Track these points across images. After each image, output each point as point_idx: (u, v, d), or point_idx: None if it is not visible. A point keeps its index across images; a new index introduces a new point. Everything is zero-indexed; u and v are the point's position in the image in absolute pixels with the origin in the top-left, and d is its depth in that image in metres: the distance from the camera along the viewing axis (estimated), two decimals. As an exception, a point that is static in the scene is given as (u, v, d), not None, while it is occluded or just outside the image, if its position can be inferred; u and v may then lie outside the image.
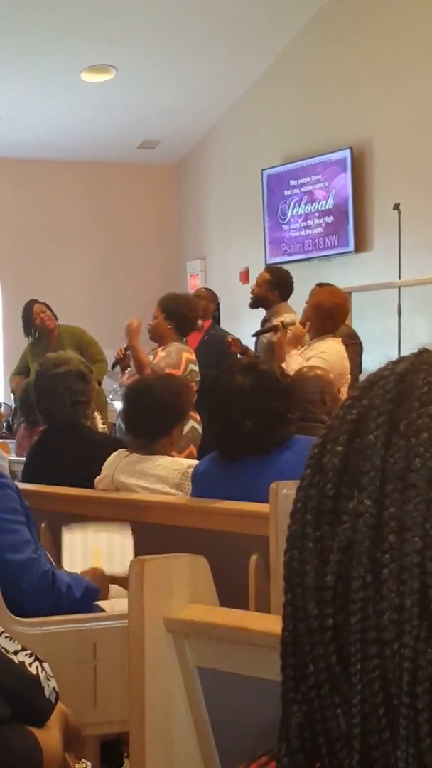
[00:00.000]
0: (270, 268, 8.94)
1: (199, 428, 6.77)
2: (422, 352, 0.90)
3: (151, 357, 7.02)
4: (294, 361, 6.57)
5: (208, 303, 9.44)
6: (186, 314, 7.05)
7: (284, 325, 7.34)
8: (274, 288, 8.17)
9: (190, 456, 5.96)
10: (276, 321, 7.61)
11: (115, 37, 10.85)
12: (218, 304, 12.58)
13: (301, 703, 0.87)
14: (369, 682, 0.80)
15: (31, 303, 9.18)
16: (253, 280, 11.01)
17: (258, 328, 8.31)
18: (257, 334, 8.25)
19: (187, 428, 6.54)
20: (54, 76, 11.44)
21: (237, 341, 8.15)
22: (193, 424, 6.69)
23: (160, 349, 6.96)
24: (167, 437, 4.31)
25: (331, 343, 6.76)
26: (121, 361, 7.45)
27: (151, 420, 4.29)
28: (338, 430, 0.89)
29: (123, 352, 7.40)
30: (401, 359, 0.91)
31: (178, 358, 6.81)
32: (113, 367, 7.87)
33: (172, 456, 4.36)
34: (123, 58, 11.27)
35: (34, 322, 9.03)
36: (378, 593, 0.81)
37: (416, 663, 0.79)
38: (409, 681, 0.78)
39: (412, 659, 0.79)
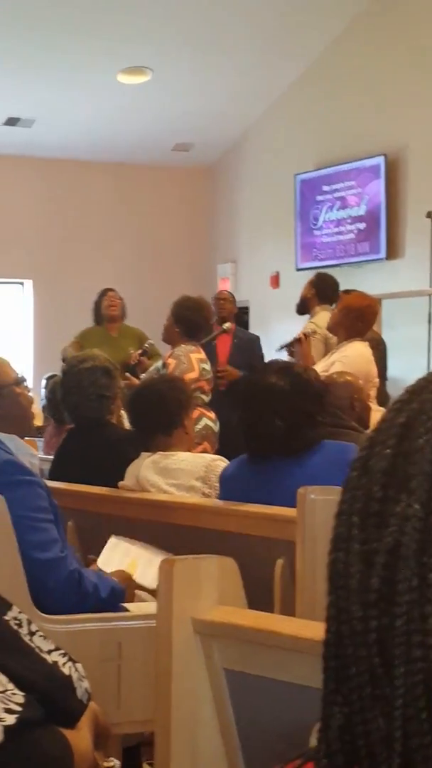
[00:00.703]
0: (317, 273, 8.98)
1: (214, 426, 6.79)
2: None
3: (159, 363, 7.06)
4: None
5: (231, 306, 9.46)
6: (191, 319, 7.07)
7: (306, 336, 7.35)
8: (312, 287, 8.23)
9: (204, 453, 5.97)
10: (309, 329, 7.64)
11: (152, 39, 10.88)
12: (247, 308, 12.59)
13: (342, 705, 0.87)
14: (412, 686, 0.80)
15: (106, 290, 9.36)
16: (283, 285, 11.05)
17: (287, 333, 8.32)
18: (282, 348, 8.24)
19: (200, 425, 6.56)
20: (90, 77, 11.48)
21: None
22: (207, 421, 6.70)
23: (168, 355, 6.97)
24: (181, 427, 4.33)
25: (356, 346, 6.74)
26: (138, 366, 7.55)
27: (159, 411, 4.31)
28: (387, 432, 0.88)
29: (138, 357, 7.48)
30: None
31: (188, 362, 6.83)
32: (130, 371, 7.93)
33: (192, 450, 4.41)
34: (159, 61, 11.29)
35: (102, 305, 9.17)
36: (424, 597, 0.81)
37: None
38: None
39: None
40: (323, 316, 7.80)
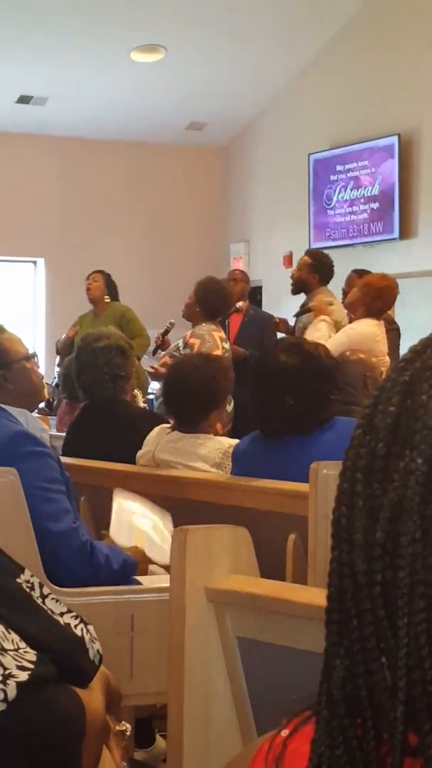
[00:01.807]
0: (310, 252, 8.92)
1: (229, 406, 6.79)
2: None
3: (180, 342, 7.03)
4: (309, 335, 6.62)
5: (245, 285, 9.45)
6: (213, 302, 7.07)
7: (319, 308, 7.37)
8: (314, 272, 8.16)
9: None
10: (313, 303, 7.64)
11: (166, 18, 10.84)
12: (260, 287, 12.57)
13: (344, 656, 0.89)
14: (416, 636, 0.82)
15: (89, 274, 9.45)
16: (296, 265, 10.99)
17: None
18: (297, 315, 8.25)
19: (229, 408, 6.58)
20: (104, 56, 11.45)
21: (284, 321, 8.17)
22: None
23: (190, 335, 6.95)
24: (205, 421, 4.31)
25: (365, 324, 6.75)
26: (161, 346, 7.57)
27: (186, 406, 4.29)
28: (390, 390, 0.90)
29: (162, 337, 7.49)
30: None
31: (212, 340, 6.83)
32: (154, 352, 7.94)
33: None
34: (173, 39, 11.26)
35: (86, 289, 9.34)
36: (427, 549, 0.83)
37: None
38: None
39: None
40: (320, 299, 7.79)
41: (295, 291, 8.37)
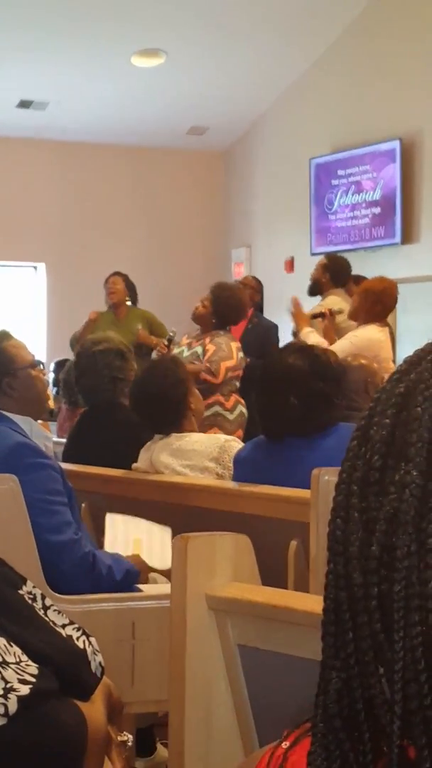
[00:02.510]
0: (328, 255, 8.91)
1: (246, 413, 6.79)
2: None
3: (186, 341, 7.03)
4: (311, 338, 6.61)
5: (254, 293, 9.43)
6: (227, 315, 7.05)
7: (332, 313, 7.35)
8: (326, 271, 8.15)
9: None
10: (323, 308, 7.62)
11: (166, 22, 10.85)
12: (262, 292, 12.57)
13: (340, 669, 0.88)
14: (411, 649, 0.82)
15: (109, 276, 9.30)
16: (298, 269, 10.99)
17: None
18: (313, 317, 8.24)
19: (236, 413, 6.59)
20: (104, 60, 11.45)
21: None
22: (241, 408, 6.71)
23: (208, 340, 6.93)
24: (188, 410, 4.32)
25: (370, 330, 6.75)
26: (166, 355, 7.56)
27: (165, 407, 4.29)
28: (386, 403, 0.90)
29: (167, 347, 7.47)
30: None
31: (228, 350, 6.83)
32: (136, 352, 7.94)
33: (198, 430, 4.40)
34: (174, 43, 11.26)
35: (106, 292, 9.20)
36: (423, 562, 0.82)
37: None
38: None
39: None
40: (333, 300, 7.79)
41: (311, 293, 8.36)
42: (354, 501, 0.88)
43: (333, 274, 8.10)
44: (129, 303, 9.11)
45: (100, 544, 3.68)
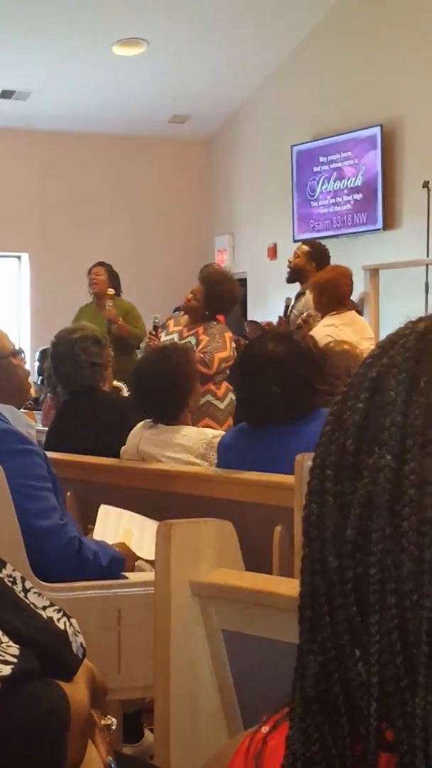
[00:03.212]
0: (307, 242, 8.86)
1: (224, 402, 6.78)
2: None
3: (175, 328, 7.01)
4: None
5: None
6: (219, 307, 7.02)
7: (306, 322, 7.32)
8: (312, 260, 8.10)
9: (228, 428, 5.97)
10: (299, 319, 7.59)
11: (146, 11, 10.82)
12: (245, 279, 12.56)
13: (317, 653, 0.89)
14: (387, 632, 0.82)
15: (91, 267, 9.20)
16: (281, 256, 10.96)
17: (284, 304, 8.31)
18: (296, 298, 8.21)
19: (226, 401, 6.58)
20: (86, 50, 11.43)
21: (281, 321, 8.13)
22: (231, 396, 6.70)
23: (201, 330, 6.91)
24: (183, 411, 4.32)
25: (318, 328, 6.67)
26: (153, 341, 7.56)
27: (169, 398, 4.28)
28: (359, 387, 0.90)
29: (153, 336, 7.44)
30: (421, 319, 0.93)
31: (222, 341, 6.81)
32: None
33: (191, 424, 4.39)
34: (155, 32, 11.24)
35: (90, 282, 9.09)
36: (397, 545, 0.82)
37: None
38: (428, 630, 0.80)
39: (431, 609, 0.80)
40: (309, 299, 7.77)
41: (291, 279, 8.31)
42: (328, 485, 0.89)
43: (318, 262, 8.07)
44: (113, 292, 8.99)
45: (86, 532, 3.68)
